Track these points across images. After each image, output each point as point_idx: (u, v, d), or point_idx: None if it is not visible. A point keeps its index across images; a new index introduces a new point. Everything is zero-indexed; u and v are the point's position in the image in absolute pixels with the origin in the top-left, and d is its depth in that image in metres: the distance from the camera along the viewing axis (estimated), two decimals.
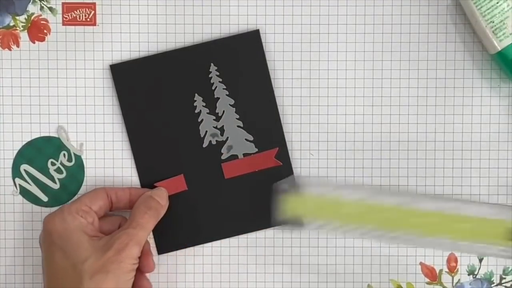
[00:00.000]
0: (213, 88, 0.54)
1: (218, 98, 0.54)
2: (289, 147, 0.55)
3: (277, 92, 0.54)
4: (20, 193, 0.55)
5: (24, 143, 0.55)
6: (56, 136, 0.55)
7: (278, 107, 0.54)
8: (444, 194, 0.55)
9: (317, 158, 0.55)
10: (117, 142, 0.55)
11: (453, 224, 0.50)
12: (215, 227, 0.55)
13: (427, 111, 0.55)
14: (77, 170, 0.55)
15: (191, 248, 0.55)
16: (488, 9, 0.51)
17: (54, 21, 0.54)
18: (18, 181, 0.55)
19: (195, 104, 0.54)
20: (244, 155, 0.55)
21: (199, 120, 0.54)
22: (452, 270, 0.55)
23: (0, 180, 0.55)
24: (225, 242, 0.55)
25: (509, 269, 0.55)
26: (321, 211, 0.51)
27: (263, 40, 0.54)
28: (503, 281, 0.55)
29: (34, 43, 0.54)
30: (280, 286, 0.55)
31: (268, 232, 0.55)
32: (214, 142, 0.55)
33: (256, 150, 0.55)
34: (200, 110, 0.54)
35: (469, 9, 0.52)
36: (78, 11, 0.54)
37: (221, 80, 0.54)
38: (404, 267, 0.55)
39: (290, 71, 0.55)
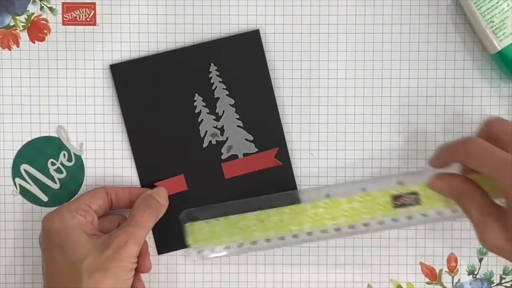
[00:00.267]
0: (213, 88, 0.54)
1: (218, 98, 0.54)
2: (289, 147, 0.55)
3: (277, 92, 0.54)
4: (20, 193, 0.55)
5: (24, 143, 0.55)
6: (56, 136, 0.55)
7: (278, 107, 0.54)
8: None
9: (317, 158, 0.55)
10: (117, 142, 0.55)
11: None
12: None
13: (427, 111, 0.55)
14: (77, 170, 0.55)
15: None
16: (488, 9, 0.51)
17: (54, 21, 0.54)
18: (18, 181, 0.55)
19: (195, 104, 0.54)
20: (244, 155, 0.55)
21: (199, 120, 0.54)
22: (452, 270, 0.55)
23: (0, 180, 0.55)
24: None
25: (509, 269, 0.55)
26: (205, 238, 0.53)
27: (263, 40, 0.54)
28: (503, 281, 0.55)
29: (34, 43, 0.54)
30: (280, 286, 0.55)
31: None
32: (214, 142, 0.55)
33: (256, 150, 0.55)
34: (200, 110, 0.54)
35: (469, 9, 0.52)
36: (78, 11, 0.54)
37: (221, 80, 0.54)
38: (404, 267, 0.55)
39: (290, 71, 0.55)
